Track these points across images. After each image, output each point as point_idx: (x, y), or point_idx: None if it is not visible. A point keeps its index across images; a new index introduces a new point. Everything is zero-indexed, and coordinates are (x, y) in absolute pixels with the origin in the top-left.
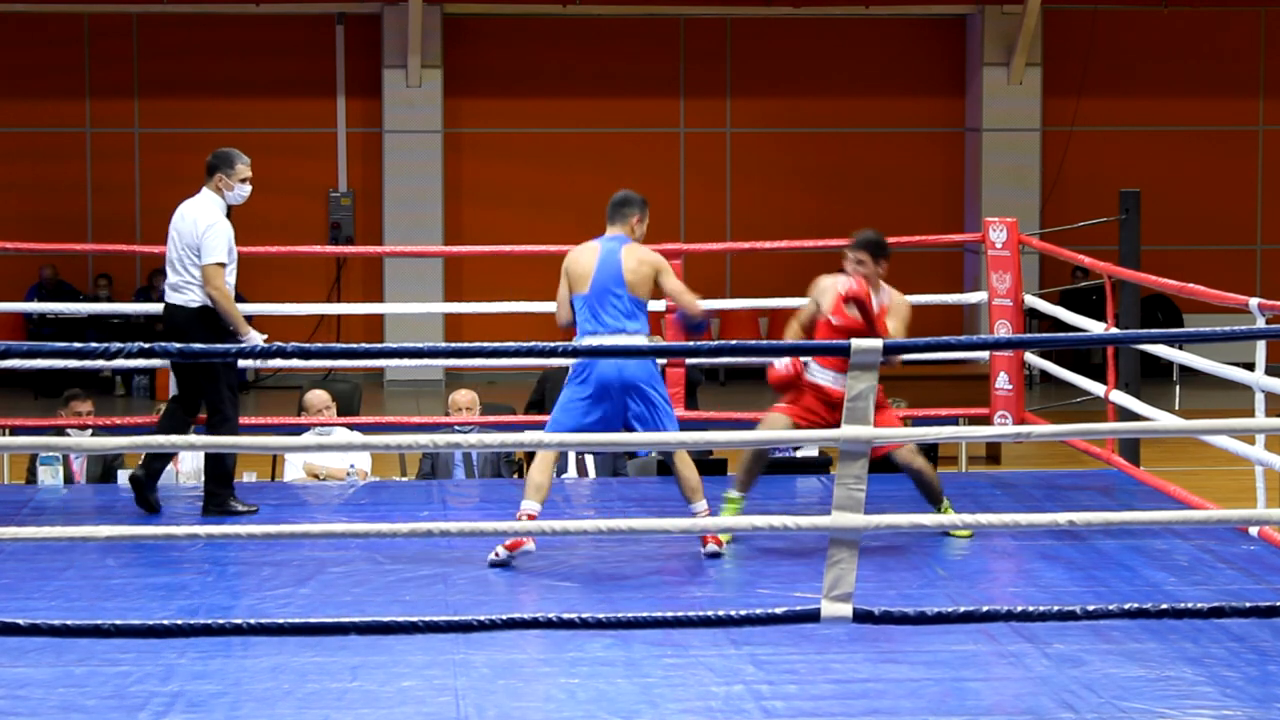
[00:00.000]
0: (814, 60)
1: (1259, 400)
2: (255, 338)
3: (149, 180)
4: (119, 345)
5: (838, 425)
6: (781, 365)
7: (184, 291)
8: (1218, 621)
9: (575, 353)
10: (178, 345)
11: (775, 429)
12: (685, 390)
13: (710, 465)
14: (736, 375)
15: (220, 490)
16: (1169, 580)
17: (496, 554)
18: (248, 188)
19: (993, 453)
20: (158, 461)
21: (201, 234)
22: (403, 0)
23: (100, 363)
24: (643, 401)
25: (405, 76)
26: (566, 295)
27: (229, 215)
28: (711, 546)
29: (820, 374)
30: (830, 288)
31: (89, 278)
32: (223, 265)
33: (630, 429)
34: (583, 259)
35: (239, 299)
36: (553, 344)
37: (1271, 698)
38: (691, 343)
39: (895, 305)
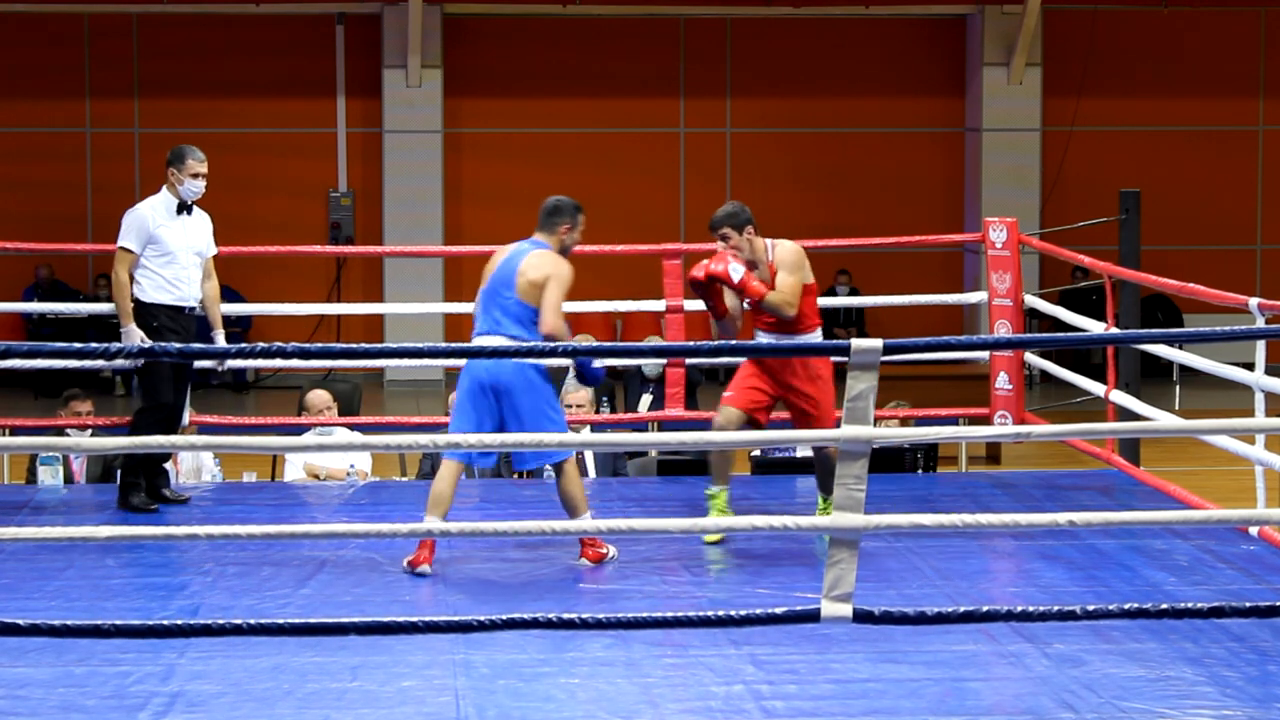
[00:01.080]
0: (814, 60)
1: (1259, 400)
2: (132, 334)
3: (149, 180)
4: (119, 345)
5: (781, 396)
6: (701, 270)
7: None
8: (1218, 621)
9: (575, 353)
10: (177, 345)
11: (730, 422)
12: (685, 391)
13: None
14: None
15: (132, 480)
16: (1169, 580)
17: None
18: (200, 183)
19: (993, 453)
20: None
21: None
22: (403, 0)
23: (100, 363)
24: (514, 409)
25: (405, 76)
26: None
27: (184, 211)
28: (584, 561)
29: (762, 335)
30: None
31: (89, 278)
32: (128, 251)
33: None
34: (497, 257)
35: (237, 298)
36: (552, 344)
37: (1271, 698)
38: (694, 342)
39: (780, 257)
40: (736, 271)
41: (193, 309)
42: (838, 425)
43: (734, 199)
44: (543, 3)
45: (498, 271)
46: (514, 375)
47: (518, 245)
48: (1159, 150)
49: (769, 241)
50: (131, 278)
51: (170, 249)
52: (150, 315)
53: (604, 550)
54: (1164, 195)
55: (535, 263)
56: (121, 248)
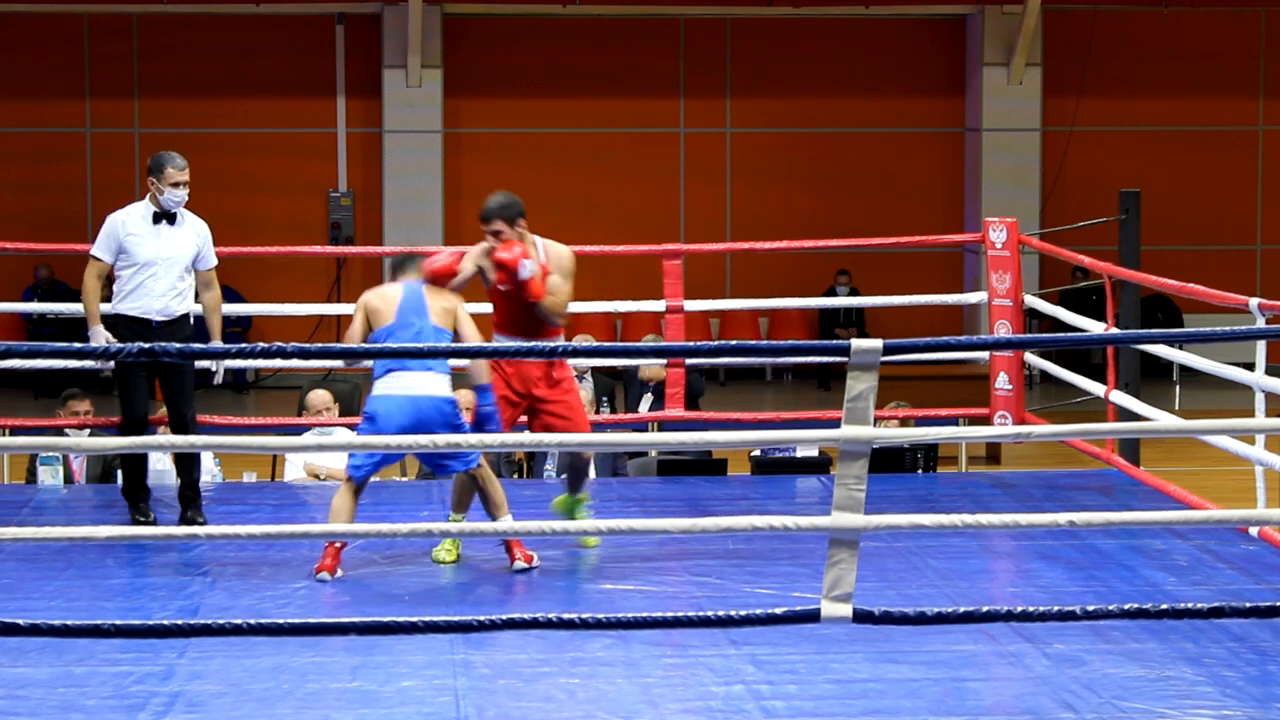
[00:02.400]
0: (814, 60)
1: (1259, 400)
2: (98, 335)
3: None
4: (119, 345)
5: (530, 399)
6: (441, 261)
7: None
8: (1218, 621)
9: (575, 353)
10: (177, 345)
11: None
12: (685, 394)
13: (710, 465)
14: (736, 375)
15: (132, 494)
16: (1169, 580)
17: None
18: (181, 192)
19: (993, 453)
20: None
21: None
22: (403, 0)
23: (100, 363)
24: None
25: (405, 76)
26: (359, 330)
27: (165, 220)
28: (520, 563)
29: (500, 338)
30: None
31: None
32: (96, 259)
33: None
34: (386, 294)
35: (237, 298)
36: (552, 344)
37: (1271, 698)
38: (694, 342)
39: (555, 258)
40: (525, 269)
41: (162, 321)
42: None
43: (734, 199)
44: (543, 3)
45: (405, 308)
46: (435, 414)
47: (405, 286)
48: (1159, 150)
49: (540, 240)
50: (112, 283)
51: (139, 260)
52: (112, 324)
53: (530, 553)
54: (1164, 195)
55: (438, 300)
56: (91, 255)
